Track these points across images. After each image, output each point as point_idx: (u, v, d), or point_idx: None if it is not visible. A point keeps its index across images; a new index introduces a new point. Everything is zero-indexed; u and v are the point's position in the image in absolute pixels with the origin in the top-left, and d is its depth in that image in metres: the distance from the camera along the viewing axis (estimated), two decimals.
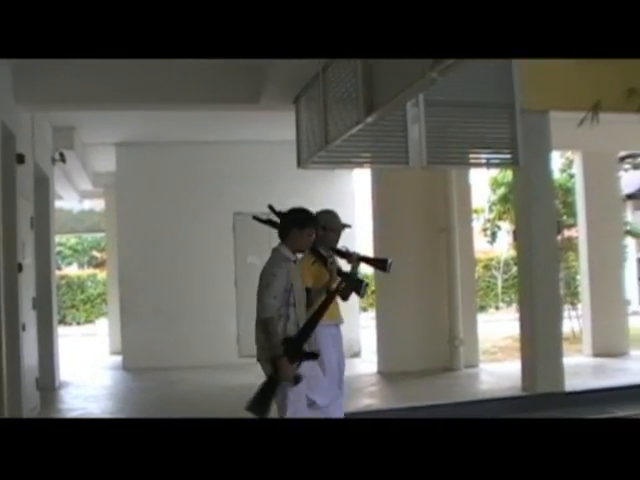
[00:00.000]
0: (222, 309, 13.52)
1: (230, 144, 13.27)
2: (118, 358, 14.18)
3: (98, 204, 22.72)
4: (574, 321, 15.16)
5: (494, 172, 16.41)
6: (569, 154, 15.41)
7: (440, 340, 11.82)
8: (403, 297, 11.85)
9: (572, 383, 9.97)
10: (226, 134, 12.74)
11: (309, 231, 5.92)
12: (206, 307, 13.46)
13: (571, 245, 15.37)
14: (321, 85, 8.39)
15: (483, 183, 17.54)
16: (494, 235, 18.04)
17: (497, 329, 17.16)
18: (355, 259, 6.58)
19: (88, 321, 25.15)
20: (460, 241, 11.95)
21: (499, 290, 24.06)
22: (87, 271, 28.01)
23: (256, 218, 6.53)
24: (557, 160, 16.52)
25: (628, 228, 19.45)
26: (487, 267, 24.17)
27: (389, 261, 6.55)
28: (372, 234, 12.37)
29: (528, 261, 9.68)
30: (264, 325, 5.56)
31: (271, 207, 6.33)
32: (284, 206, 11.95)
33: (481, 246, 20.07)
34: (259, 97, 9.48)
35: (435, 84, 5.39)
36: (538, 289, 9.56)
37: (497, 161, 9.78)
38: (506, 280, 23.58)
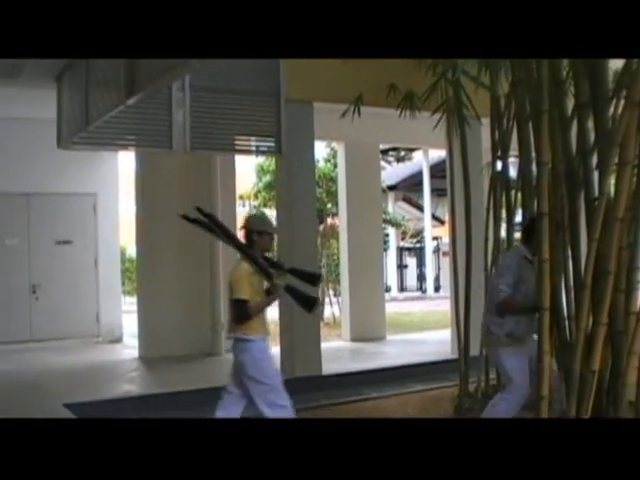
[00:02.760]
0: None
1: None
2: None
3: None
4: (335, 307, 15.61)
5: (261, 159, 16.55)
6: (334, 144, 15.76)
7: (202, 325, 11.82)
8: (165, 281, 11.77)
9: (330, 367, 10.25)
10: None
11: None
12: None
13: (334, 233, 15.81)
14: (84, 64, 8.16)
15: (250, 170, 17.66)
16: None
17: None
18: (285, 271, 6.16)
19: None
20: None
21: None
22: None
23: (185, 217, 6.09)
24: (322, 150, 16.89)
25: (389, 218, 20.26)
26: None
27: (321, 276, 6.31)
28: (135, 218, 12.18)
29: (289, 247, 9.84)
30: (503, 306, 5.93)
31: (199, 209, 6.04)
32: (45, 186, 11.45)
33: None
34: (20, 72, 9.08)
35: (196, 70, 5.38)
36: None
37: (262, 149, 9.88)
38: None
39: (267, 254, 6.25)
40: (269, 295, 6.08)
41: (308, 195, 10.02)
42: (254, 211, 17.79)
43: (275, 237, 6.43)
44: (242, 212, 17.98)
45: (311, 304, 6.01)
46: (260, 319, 6.06)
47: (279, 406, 6.04)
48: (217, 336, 11.81)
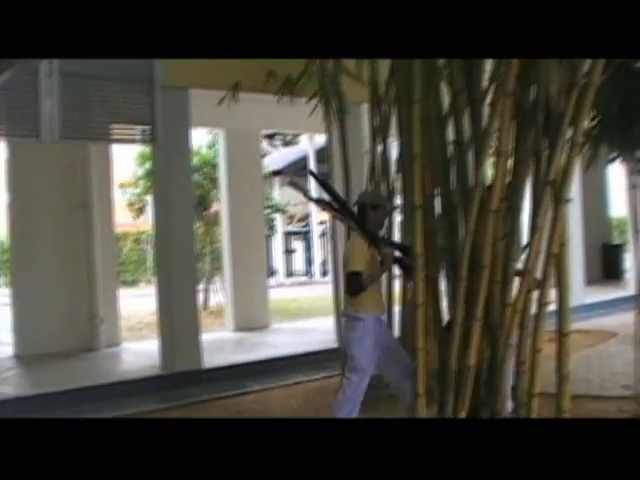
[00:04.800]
0: None
1: None
2: None
3: None
4: (221, 295, 15.38)
5: (141, 147, 16.17)
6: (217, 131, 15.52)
7: (80, 319, 11.47)
8: (41, 275, 11.34)
9: (212, 359, 10.06)
10: None
11: None
12: None
13: (218, 220, 15.56)
14: None
15: (131, 157, 17.27)
16: (142, 209, 17.90)
17: (146, 304, 16.94)
18: (393, 245, 6.18)
19: None
20: (100, 217, 11.65)
21: (149, 264, 23.88)
22: None
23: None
24: (204, 136, 16.64)
25: (274, 203, 20.11)
26: (137, 241, 23.89)
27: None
28: (7, 208, 11.66)
29: (166, 236, 9.59)
30: None
31: (312, 172, 5.89)
32: None
33: (130, 220, 19.86)
34: None
35: None
36: (175, 265, 9.53)
37: (136, 137, 9.58)
38: None
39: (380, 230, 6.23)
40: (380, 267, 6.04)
41: (185, 183, 9.80)
42: (138, 199, 17.51)
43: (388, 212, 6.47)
44: (123, 200, 17.69)
45: None
46: (373, 296, 5.97)
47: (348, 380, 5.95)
48: (95, 330, 11.47)
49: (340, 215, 6.19)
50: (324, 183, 6.16)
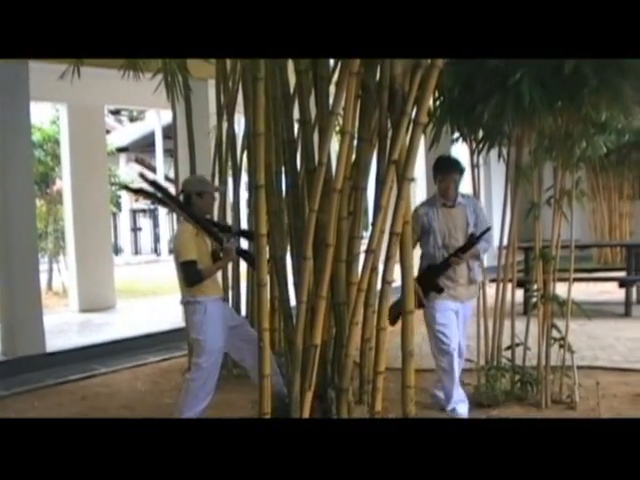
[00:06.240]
0: None
1: None
2: None
3: None
4: (65, 275, 15.00)
5: None
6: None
7: None
8: None
9: (56, 342, 9.83)
10: None
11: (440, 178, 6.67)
12: None
13: (62, 197, 15.14)
14: None
15: None
16: None
17: None
18: (235, 233, 6.24)
19: None
20: None
21: None
22: None
23: (127, 188, 6.81)
24: (46, 112, 16.16)
25: (119, 180, 19.72)
26: None
27: None
28: None
29: (5, 215, 9.21)
30: None
31: (142, 175, 6.17)
32: None
33: None
34: None
35: None
36: (16, 244, 9.22)
37: None
38: None
39: (209, 216, 6.28)
40: (220, 258, 6.04)
41: (25, 159, 9.46)
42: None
43: (216, 197, 6.52)
44: None
45: None
46: (209, 279, 5.92)
47: (197, 365, 5.99)
48: None
49: (168, 205, 6.21)
50: (154, 182, 6.12)
